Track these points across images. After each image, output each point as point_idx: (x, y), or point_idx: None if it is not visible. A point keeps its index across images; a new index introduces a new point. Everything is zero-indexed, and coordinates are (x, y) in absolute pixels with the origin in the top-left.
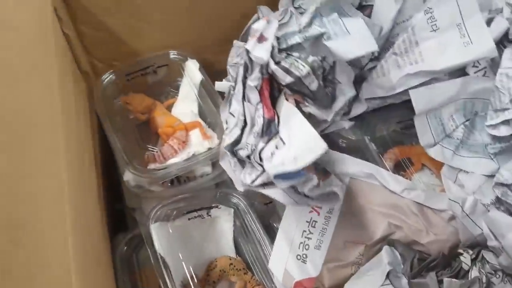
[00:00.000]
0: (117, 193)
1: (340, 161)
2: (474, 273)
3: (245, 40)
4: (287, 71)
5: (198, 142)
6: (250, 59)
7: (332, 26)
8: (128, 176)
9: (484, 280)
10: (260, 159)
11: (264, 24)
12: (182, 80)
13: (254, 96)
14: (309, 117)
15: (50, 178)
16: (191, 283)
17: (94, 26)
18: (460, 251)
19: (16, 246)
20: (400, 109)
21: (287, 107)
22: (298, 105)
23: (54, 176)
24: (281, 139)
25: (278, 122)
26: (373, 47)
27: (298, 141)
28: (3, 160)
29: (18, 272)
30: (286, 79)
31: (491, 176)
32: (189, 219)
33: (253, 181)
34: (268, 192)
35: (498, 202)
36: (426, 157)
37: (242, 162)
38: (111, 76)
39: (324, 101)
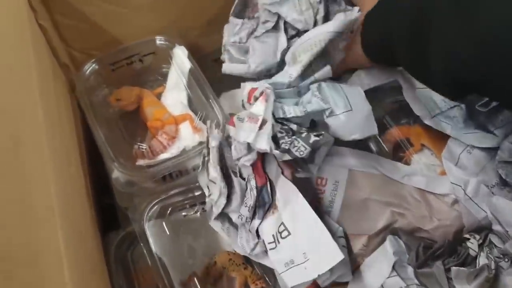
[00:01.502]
0: (105, 187)
1: (338, 153)
2: (482, 259)
3: (238, 15)
4: (286, 151)
5: (189, 136)
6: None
7: (334, 97)
8: (117, 174)
9: (492, 266)
10: (258, 236)
11: (264, 108)
12: (169, 67)
13: (246, 171)
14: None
15: (36, 180)
16: (191, 282)
17: (71, 15)
18: (467, 236)
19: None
20: (394, 89)
21: (287, 187)
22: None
23: (40, 178)
24: (284, 226)
25: (271, 187)
26: (374, 130)
27: (310, 239)
28: None
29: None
30: (284, 157)
31: (495, 153)
32: (184, 215)
33: (252, 250)
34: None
35: (503, 183)
36: (425, 137)
37: (234, 224)
38: (93, 65)
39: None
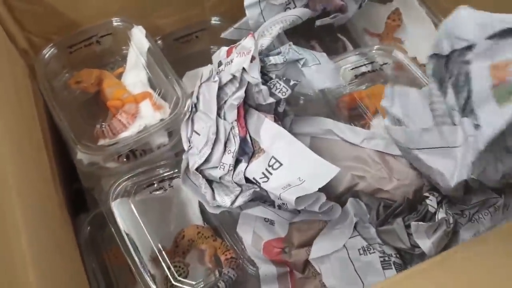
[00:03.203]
0: (74, 173)
1: (300, 122)
2: (440, 215)
3: None
4: (270, 93)
5: (149, 114)
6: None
7: (303, 53)
8: (80, 156)
9: (451, 220)
10: (246, 179)
11: (253, 43)
12: (128, 48)
13: (231, 115)
14: None
15: None
16: (159, 257)
17: None
18: (426, 194)
19: None
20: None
21: (273, 127)
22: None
23: None
24: (275, 158)
25: (251, 139)
26: (338, 81)
27: (303, 165)
28: None
29: None
30: (268, 100)
31: None
32: (150, 192)
33: (233, 202)
34: (253, 211)
35: None
36: (377, 100)
37: (209, 182)
38: (52, 49)
39: None
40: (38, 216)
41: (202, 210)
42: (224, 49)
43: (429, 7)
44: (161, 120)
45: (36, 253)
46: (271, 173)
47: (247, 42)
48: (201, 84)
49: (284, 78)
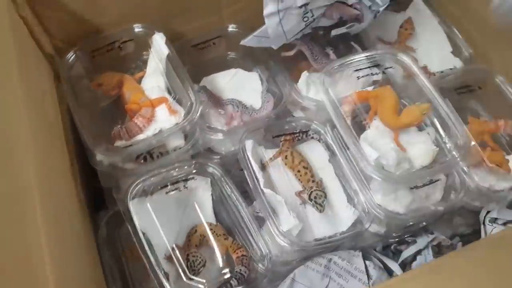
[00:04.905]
0: (94, 172)
1: None
2: None
3: None
4: None
5: (165, 118)
6: None
7: None
8: (100, 157)
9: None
10: None
11: None
12: (149, 54)
13: None
14: None
15: (17, 170)
16: (173, 255)
17: (51, 6)
18: None
19: None
20: None
21: None
22: None
23: (20, 166)
24: None
25: None
26: None
27: None
28: None
29: None
30: None
31: None
32: (166, 192)
33: None
34: None
35: None
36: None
37: None
38: (76, 54)
39: None
40: (58, 213)
41: (215, 211)
42: None
43: (441, 17)
44: (176, 124)
45: (54, 249)
46: None
47: None
48: None
49: None
